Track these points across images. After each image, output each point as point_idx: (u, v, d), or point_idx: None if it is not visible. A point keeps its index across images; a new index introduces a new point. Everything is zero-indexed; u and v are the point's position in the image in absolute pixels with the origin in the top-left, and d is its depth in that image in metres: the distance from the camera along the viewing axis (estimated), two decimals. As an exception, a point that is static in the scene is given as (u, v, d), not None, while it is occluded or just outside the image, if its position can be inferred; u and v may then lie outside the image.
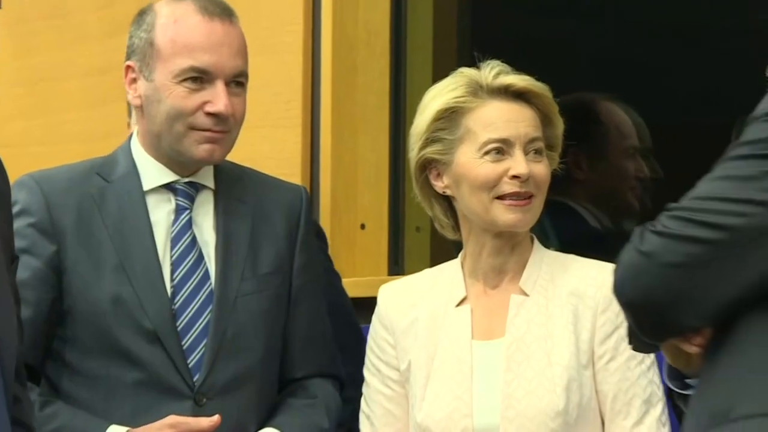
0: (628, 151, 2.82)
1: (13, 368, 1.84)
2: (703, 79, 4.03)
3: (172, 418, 2.13)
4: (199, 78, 2.17)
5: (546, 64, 2.25)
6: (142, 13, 2.24)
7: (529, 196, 2.00)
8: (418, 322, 2.14)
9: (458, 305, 2.11)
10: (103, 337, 2.20)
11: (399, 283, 2.28)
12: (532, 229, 2.10)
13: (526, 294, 2.09)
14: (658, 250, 1.45)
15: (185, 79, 2.18)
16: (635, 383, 2.05)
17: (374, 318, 2.21)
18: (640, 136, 2.86)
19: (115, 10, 3.17)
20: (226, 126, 2.18)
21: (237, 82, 2.20)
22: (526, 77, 2.05)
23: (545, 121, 2.04)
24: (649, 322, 1.52)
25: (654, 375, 2.06)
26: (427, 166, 2.05)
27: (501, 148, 2.01)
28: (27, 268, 2.13)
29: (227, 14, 2.22)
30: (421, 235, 2.88)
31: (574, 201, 2.84)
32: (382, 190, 2.87)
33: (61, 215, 2.24)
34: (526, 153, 2.02)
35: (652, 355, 2.00)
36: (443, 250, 2.65)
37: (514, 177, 1.97)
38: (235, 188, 2.32)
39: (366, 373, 2.19)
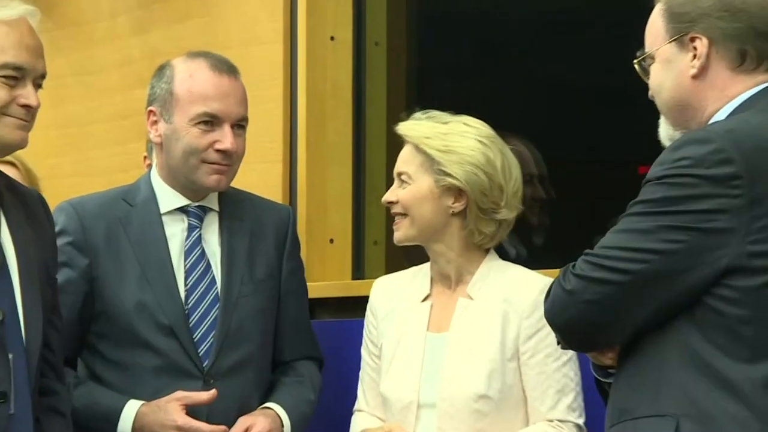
0: (526, 178, 3.14)
1: (36, 364, 2.16)
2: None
3: (178, 393, 2.39)
4: (210, 121, 2.46)
5: (479, 112, 2.50)
6: (162, 68, 2.53)
7: (400, 214, 2.40)
8: (394, 312, 2.43)
9: (423, 301, 2.41)
10: (129, 333, 2.47)
11: (387, 279, 2.57)
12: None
13: (471, 298, 2.36)
14: (578, 289, 1.73)
15: (199, 122, 2.45)
16: (551, 376, 2.31)
17: (368, 305, 2.50)
18: (537, 165, 3.14)
19: (133, 68, 3.50)
20: (230, 160, 2.47)
21: (240, 125, 2.48)
22: (415, 123, 2.42)
23: (423, 155, 2.39)
24: (574, 341, 1.85)
25: (569, 369, 2.32)
26: None
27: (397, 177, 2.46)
28: (65, 278, 2.42)
29: (232, 71, 2.52)
30: (378, 248, 3.16)
31: None
32: (347, 211, 3.13)
33: (93, 234, 2.50)
34: (397, 182, 2.43)
35: (569, 353, 2.29)
36: (396, 259, 3.04)
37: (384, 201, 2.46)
38: (236, 210, 2.58)
39: (362, 348, 2.49)
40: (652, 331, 1.77)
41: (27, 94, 2.11)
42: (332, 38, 3.06)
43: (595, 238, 2.17)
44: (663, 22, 1.89)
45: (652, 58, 1.91)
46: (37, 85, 2.19)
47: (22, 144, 2.20)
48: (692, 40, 1.84)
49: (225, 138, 2.44)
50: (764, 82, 1.84)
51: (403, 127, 2.41)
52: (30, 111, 2.14)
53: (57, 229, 2.43)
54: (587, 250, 1.76)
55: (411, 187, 2.37)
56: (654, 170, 1.74)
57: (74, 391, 2.40)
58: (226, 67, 2.51)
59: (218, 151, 2.44)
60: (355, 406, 2.48)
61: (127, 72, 3.57)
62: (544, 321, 2.01)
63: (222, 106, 2.45)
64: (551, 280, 2.03)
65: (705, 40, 1.83)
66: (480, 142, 2.36)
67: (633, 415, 1.75)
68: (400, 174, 2.40)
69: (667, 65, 1.90)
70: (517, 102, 4.25)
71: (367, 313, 2.49)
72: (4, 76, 2.08)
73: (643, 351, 1.77)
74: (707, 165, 1.70)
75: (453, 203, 2.36)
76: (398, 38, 3.23)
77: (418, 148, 2.40)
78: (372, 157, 3.19)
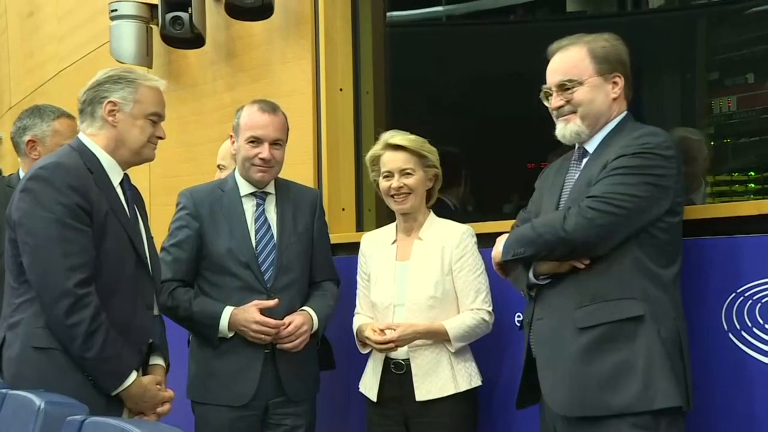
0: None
1: (159, 295, 2.57)
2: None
3: (255, 301, 2.85)
4: (256, 141, 2.87)
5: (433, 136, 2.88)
6: (238, 110, 2.95)
7: (404, 194, 2.80)
8: (375, 252, 2.89)
9: (392, 243, 2.88)
10: (222, 266, 2.89)
11: (370, 234, 3.01)
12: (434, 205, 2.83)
13: (421, 239, 2.83)
14: (594, 217, 2.12)
15: (249, 141, 2.87)
16: (471, 282, 2.76)
17: (360, 248, 2.93)
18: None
19: (225, 111, 4.14)
20: (269, 165, 2.88)
21: (276, 143, 2.88)
22: (406, 137, 2.79)
23: (418, 155, 2.81)
24: (582, 249, 2.17)
25: (483, 278, 2.76)
26: (375, 181, 2.91)
27: (389, 175, 2.83)
28: (185, 235, 2.90)
29: (273, 109, 2.90)
30: (370, 213, 3.83)
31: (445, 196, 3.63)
32: (351, 193, 3.80)
33: (200, 208, 2.92)
34: (401, 175, 2.80)
35: (482, 267, 2.73)
36: (380, 221, 3.66)
37: (393, 188, 2.81)
38: (285, 192, 2.99)
39: (357, 275, 2.95)
40: (626, 242, 2.16)
41: (161, 131, 2.55)
42: (341, 89, 3.80)
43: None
44: (591, 62, 2.29)
45: (581, 83, 2.29)
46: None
47: (150, 160, 2.63)
48: (615, 76, 2.31)
49: (264, 151, 2.85)
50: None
51: (400, 140, 2.79)
52: (158, 141, 2.57)
53: (180, 206, 2.94)
54: (593, 195, 2.14)
55: (415, 177, 2.78)
56: (624, 149, 2.15)
57: (193, 301, 2.85)
58: (269, 108, 2.90)
59: (261, 158, 2.86)
60: (355, 310, 2.96)
61: (221, 113, 4.25)
62: (465, 249, 2.73)
63: (262, 132, 2.86)
64: (464, 225, 2.78)
65: (622, 78, 2.32)
66: (433, 144, 2.86)
67: (606, 298, 2.18)
68: (403, 170, 2.77)
69: (596, 89, 2.29)
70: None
71: (360, 253, 2.95)
72: (152, 120, 2.51)
73: (608, 259, 2.18)
74: (661, 148, 2.16)
75: (431, 184, 2.86)
76: (380, 87, 3.87)
77: (413, 151, 2.79)
78: (364, 163, 3.23)
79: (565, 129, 2.31)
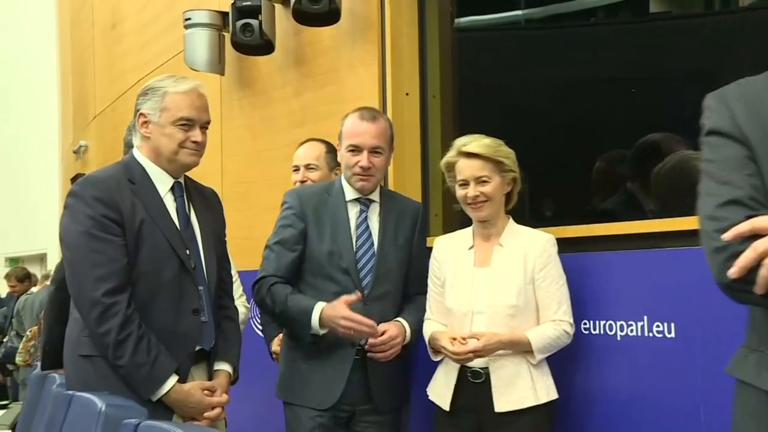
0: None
1: (214, 292, 2.56)
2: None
3: (343, 297, 2.77)
4: (355, 149, 2.91)
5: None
6: (343, 118, 2.96)
7: (481, 203, 2.72)
8: (450, 257, 2.81)
9: (469, 249, 2.80)
10: (322, 269, 2.90)
11: (442, 238, 2.93)
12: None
13: (502, 246, 2.74)
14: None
15: (349, 150, 2.93)
16: (554, 293, 2.69)
17: (432, 254, 2.88)
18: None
19: (294, 116, 4.30)
20: (370, 173, 2.91)
21: (375, 151, 2.90)
22: (482, 145, 2.69)
23: (494, 162, 2.71)
24: None
25: (565, 289, 2.69)
26: (449, 188, 2.84)
27: (464, 183, 2.75)
28: (290, 233, 2.91)
29: (373, 118, 2.93)
30: (437, 218, 3.84)
31: None
32: (417, 196, 3.71)
33: (307, 209, 2.93)
34: (477, 183, 2.72)
35: (564, 277, 2.65)
36: (448, 226, 3.66)
37: (469, 197, 2.73)
38: (390, 202, 3.03)
39: (428, 280, 2.88)
40: None
41: (195, 135, 2.52)
42: (407, 94, 3.83)
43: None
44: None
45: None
46: (203, 128, 2.56)
47: (193, 165, 2.57)
48: None
49: (363, 159, 2.90)
50: None
51: (474, 147, 2.71)
52: (197, 145, 2.52)
53: (287, 206, 2.95)
54: (706, 212, 1.54)
55: (491, 184, 2.72)
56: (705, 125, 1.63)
57: (289, 296, 2.85)
58: (368, 115, 2.93)
59: (361, 167, 2.92)
60: (425, 316, 2.89)
61: (290, 119, 4.38)
62: (549, 258, 2.65)
63: (360, 140, 2.90)
64: (546, 234, 2.67)
65: None
66: (508, 147, 2.78)
67: None
68: (478, 177, 2.71)
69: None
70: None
71: (432, 257, 2.90)
72: (181, 125, 2.51)
73: None
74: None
75: (509, 188, 2.78)
76: (447, 91, 3.86)
77: (488, 158, 2.72)
78: (431, 168, 3.81)
79: None
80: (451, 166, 2.76)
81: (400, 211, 2.99)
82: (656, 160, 3.29)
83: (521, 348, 2.64)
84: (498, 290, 2.68)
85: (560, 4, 5.98)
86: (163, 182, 2.55)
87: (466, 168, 2.70)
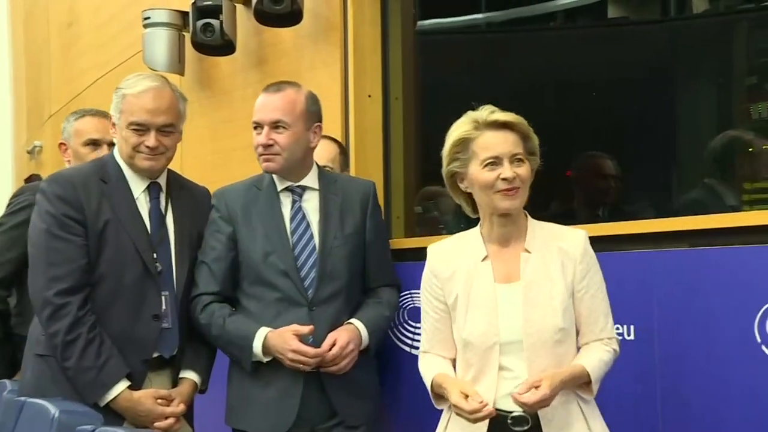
0: None
1: (182, 298, 2.50)
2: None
3: (293, 326, 2.57)
4: (257, 126, 2.68)
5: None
6: None
7: (516, 188, 2.18)
8: (457, 272, 2.26)
9: (482, 261, 2.25)
10: (260, 275, 2.65)
11: (439, 246, 2.36)
12: (526, 207, 2.25)
13: (529, 252, 2.23)
14: None
15: (254, 128, 2.68)
16: (599, 305, 2.23)
17: (426, 268, 2.31)
18: None
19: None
20: (271, 151, 2.64)
21: (277, 126, 2.63)
22: (508, 113, 2.22)
23: (524, 138, 2.21)
24: None
25: (607, 299, 2.24)
26: (454, 174, 2.26)
27: (494, 162, 2.18)
28: (217, 239, 2.67)
29: (277, 88, 2.68)
30: (399, 221, 3.74)
31: None
32: (380, 198, 3.21)
33: (234, 209, 2.69)
34: (511, 163, 2.18)
35: (604, 287, 2.24)
36: (410, 229, 3.68)
37: (504, 179, 2.17)
38: (331, 186, 2.73)
39: (422, 304, 2.34)
40: None
41: (148, 139, 2.46)
42: (369, 96, 3.77)
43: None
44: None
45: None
46: (162, 132, 2.48)
47: (150, 170, 2.50)
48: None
49: (262, 136, 2.65)
50: None
51: (506, 116, 2.20)
52: (150, 150, 2.46)
53: (213, 209, 2.73)
54: None
55: (526, 166, 2.22)
56: None
57: (227, 319, 2.63)
58: (273, 88, 2.69)
59: (260, 144, 2.66)
60: (420, 349, 2.36)
61: (252, 120, 3.87)
62: (590, 263, 2.21)
63: (259, 116, 2.66)
64: (581, 230, 2.25)
65: None
66: None
67: None
68: (514, 155, 2.19)
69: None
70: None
71: (427, 275, 2.32)
72: (133, 129, 2.47)
73: None
74: None
75: (532, 179, 2.27)
76: (409, 94, 3.83)
77: (523, 133, 2.23)
78: (393, 169, 3.78)
79: None
80: (466, 143, 2.21)
81: (346, 195, 2.73)
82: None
83: (578, 382, 2.19)
84: (538, 311, 2.20)
85: (521, 8, 6.15)
86: (137, 183, 2.52)
87: (496, 143, 2.18)
